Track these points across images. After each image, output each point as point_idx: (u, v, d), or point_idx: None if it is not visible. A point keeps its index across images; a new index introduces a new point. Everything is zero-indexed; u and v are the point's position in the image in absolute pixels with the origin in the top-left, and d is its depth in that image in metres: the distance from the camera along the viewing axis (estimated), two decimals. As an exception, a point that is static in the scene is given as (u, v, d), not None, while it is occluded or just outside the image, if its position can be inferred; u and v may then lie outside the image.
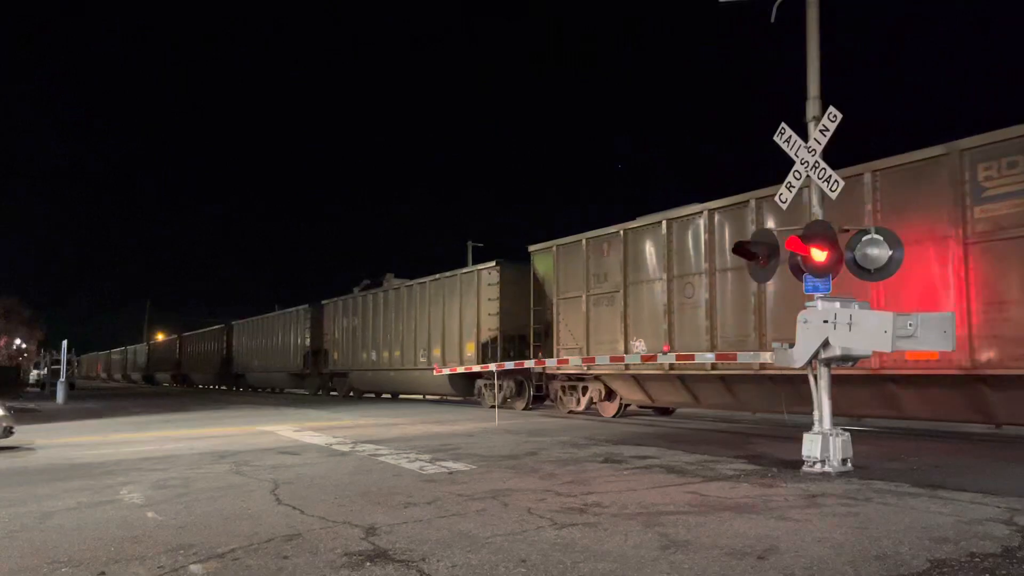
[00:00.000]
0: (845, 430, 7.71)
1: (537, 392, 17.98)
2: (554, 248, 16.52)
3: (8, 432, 10.98)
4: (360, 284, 28.34)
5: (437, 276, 22.16)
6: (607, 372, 14.81)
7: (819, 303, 7.60)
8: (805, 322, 7.61)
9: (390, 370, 24.60)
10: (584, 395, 15.99)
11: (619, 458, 8.82)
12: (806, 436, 7.67)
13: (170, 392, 41.95)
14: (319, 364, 30.65)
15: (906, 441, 10.39)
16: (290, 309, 34.20)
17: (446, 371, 19.29)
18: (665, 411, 16.22)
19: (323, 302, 30.61)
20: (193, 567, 4.38)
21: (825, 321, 7.38)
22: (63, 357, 30.46)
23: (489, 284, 19.48)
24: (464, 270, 21.03)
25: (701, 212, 12.95)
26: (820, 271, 7.75)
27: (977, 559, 4.23)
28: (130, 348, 75.97)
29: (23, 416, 17.00)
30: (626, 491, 6.57)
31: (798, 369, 7.93)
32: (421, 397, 26.18)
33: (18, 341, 70.39)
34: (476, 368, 18.37)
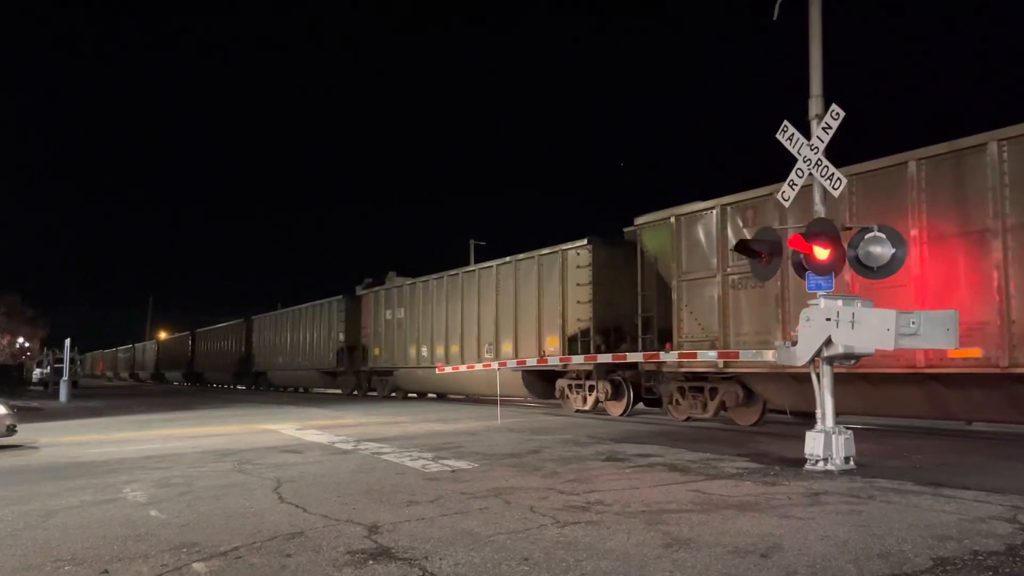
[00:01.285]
0: (847, 428, 7.70)
1: (648, 395, 14.74)
2: (673, 219, 13.26)
3: (11, 430, 11.01)
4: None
5: (508, 259, 18.87)
6: (751, 370, 11.89)
7: (821, 301, 7.60)
8: (808, 320, 7.60)
9: None
10: (713, 399, 12.97)
11: (622, 456, 8.82)
12: (809, 434, 7.67)
13: (177, 391, 41.95)
14: (355, 361, 27.59)
15: (909, 439, 10.37)
16: (321, 300, 30.75)
17: (448, 369, 18.81)
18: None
19: (359, 292, 27.26)
20: (196, 565, 4.38)
21: (828, 319, 7.37)
22: (66, 356, 30.49)
23: (578, 266, 16.38)
24: (545, 250, 17.51)
25: (905, 163, 9.89)
26: (823, 269, 7.74)
27: (980, 557, 4.22)
28: (138, 346, 73.54)
29: (26, 415, 17.02)
30: (629, 489, 6.57)
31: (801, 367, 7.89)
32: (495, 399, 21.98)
33: (20, 340, 70.53)
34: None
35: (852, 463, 7.51)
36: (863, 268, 7.80)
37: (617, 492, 6.43)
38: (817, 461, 7.48)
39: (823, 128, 8.05)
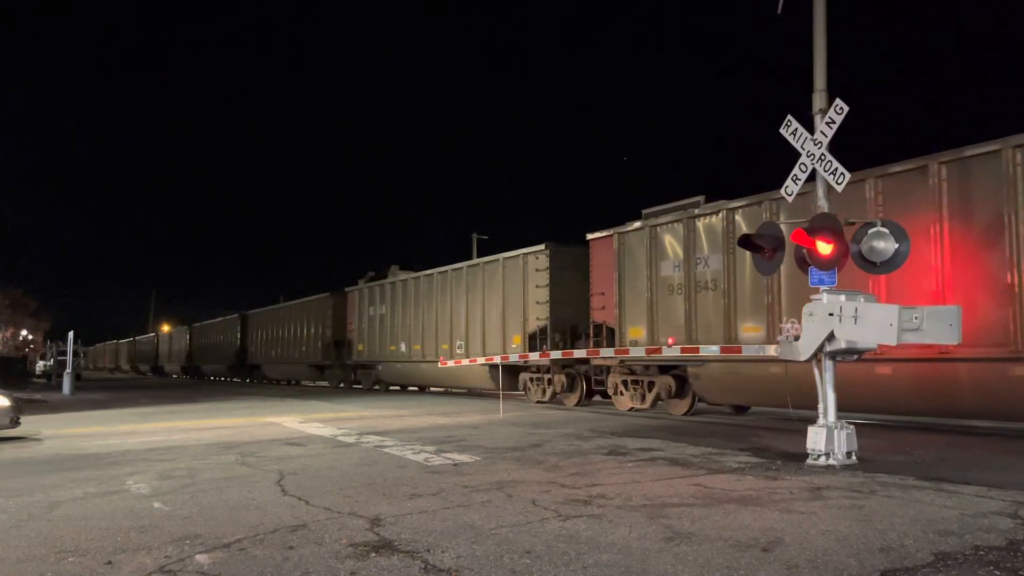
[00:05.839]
0: (850, 423, 7.70)
1: None
2: None
3: (15, 423, 11.05)
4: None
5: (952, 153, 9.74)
6: None
7: (824, 296, 7.59)
8: (810, 315, 7.59)
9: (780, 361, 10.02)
10: None
11: (623, 450, 8.84)
12: (811, 429, 7.67)
13: (176, 384, 42.02)
14: (561, 345, 17.00)
15: (911, 434, 10.38)
16: (495, 256, 19.96)
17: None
18: None
19: (589, 236, 16.28)
20: (199, 557, 4.40)
21: (830, 314, 7.37)
22: (69, 348, 30.59)
23: None
24: None
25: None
26: (826, 264, 7.73)
27: (981, 552, 4.23)
28: (162, 335, 63.97)
29: (30, 406, 17.07)
30: (630, 483, 6.58)
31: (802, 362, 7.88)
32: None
33: (24, 332, 70.67)
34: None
35: (854, 458, 7.51)
36: (866, 263, 7.79)
37: (619, 486, 6.44)
38: (819, 456, 7.49)
39: (827, 123, 8.02)
